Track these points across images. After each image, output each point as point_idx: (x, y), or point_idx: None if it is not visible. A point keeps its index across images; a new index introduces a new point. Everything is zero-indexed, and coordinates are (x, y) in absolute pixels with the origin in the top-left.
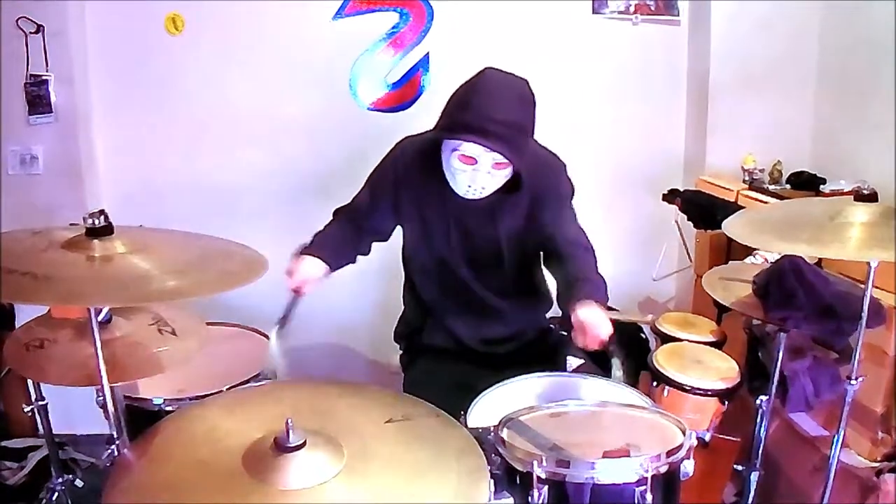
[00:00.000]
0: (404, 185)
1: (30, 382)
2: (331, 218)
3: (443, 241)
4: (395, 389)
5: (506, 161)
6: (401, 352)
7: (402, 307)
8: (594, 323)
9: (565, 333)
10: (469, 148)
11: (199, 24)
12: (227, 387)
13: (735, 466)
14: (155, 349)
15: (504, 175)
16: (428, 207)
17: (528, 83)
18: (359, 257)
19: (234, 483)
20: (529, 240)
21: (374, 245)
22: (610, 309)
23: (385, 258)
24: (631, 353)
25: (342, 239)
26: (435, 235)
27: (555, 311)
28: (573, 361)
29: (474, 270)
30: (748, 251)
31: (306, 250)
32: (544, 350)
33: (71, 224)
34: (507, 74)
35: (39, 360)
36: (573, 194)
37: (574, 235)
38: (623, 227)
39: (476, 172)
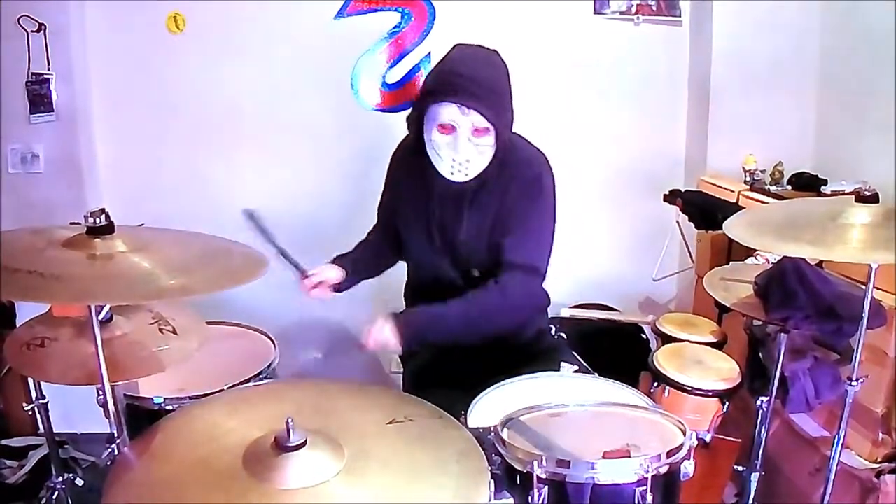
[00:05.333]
0: (398, 181)
1: (30, 381)
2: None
3: (425, 237)
4: (394, 389)
5: (485, 126)
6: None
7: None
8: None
9: (564, 336)
10: (445, 113)
11: (200, 23)
12: (228, 386)
13: (735, 467)
14: (155, 348)
15: (487, 146)
16: (415, 201)
17: (497, 52)
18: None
19: (234, 482)
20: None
21: None
22: (611, 309)
23: None
24: (631, 353)
25: (378, 253)
26: (421, 230)
27: (554, 311)
28: (566, 368)
29: (456, 267)
30: (749, 252)
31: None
32: (538, 352)
33: (72, 223)
34: (475, 45)
35: (40, 359)
36: (553, 196)
37: (521, 259)
38: (624, 228)
39: (457, 141)
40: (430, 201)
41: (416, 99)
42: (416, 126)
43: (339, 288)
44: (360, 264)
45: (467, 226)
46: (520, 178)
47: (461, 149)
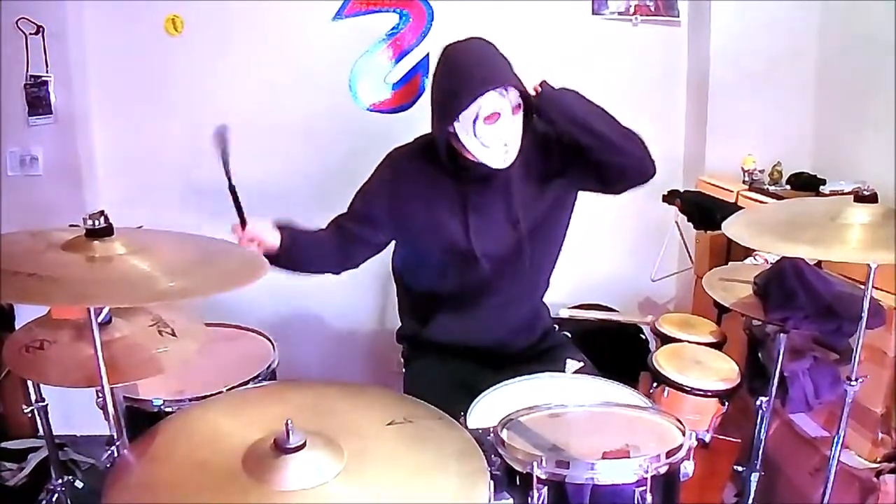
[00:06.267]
0: (405, 188)
1: (30, 383)
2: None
3: (459, 231)
4: (395, 390)
5: (519, 101)
6: (403, 349)
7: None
8: None
9: (568, 335)
10: (489, 103)
11: (198, 25)
12: (227, 388)
13: (735, 467)
14: (154, 350)
15: (521, 126)
16: (437, 201)
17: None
18: (347, 271)
19: (233, 483)
20: (554, 193)
21: None
22: (610, 310)
23: (384, 258)
24: (630, 353)
25: (323, 246)
26: (449, 227)
27: (553, 311)
28: (572, 364)
29: (492, 258)
30: (748, 252)
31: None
32: (544, 350)
33: (71, 225)
34: (465, 39)
35: (39, 362)
36: None
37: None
38: (623, 228)
39: (503, 126)
40: (460, 193)
41: (441, 111)
42: (446, 136)
43: (269, 257)
44: (299, 243)
45: (522, 206)
46: (546, 144)
47: (508, 130)
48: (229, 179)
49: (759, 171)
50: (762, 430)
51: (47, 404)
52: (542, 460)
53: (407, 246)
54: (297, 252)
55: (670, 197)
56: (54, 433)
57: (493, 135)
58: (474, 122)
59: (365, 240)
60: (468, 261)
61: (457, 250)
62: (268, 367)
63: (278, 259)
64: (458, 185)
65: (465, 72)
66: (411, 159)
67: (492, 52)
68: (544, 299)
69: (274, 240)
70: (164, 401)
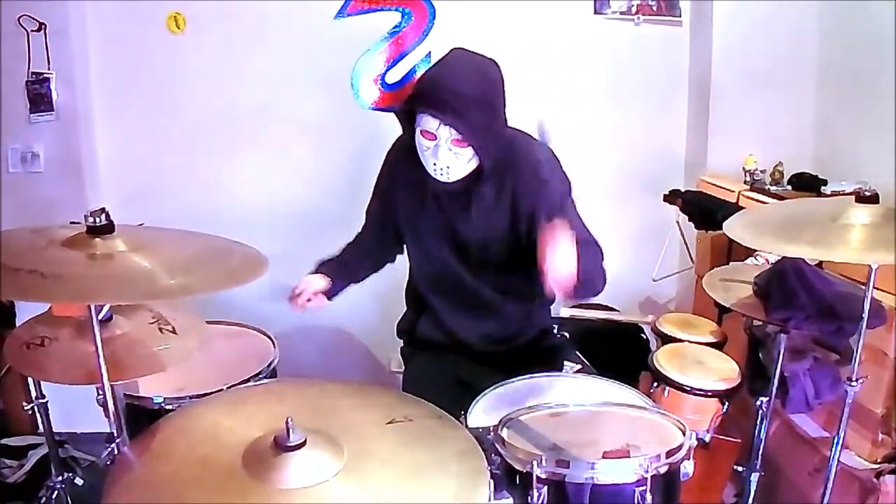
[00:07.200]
0: (396, 180)
1: (30, 380)
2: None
3: (431, 231)
4: (394, 389)
5: (459, 138)
6: (402, 346)
7: (404, 305)
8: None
9: (567, 336)
10: (426, 121)
11: (200, 23)
12: (228, 385)
13: (735, 467)
14: (155, 347)
15: (468, 158)
16: (416, 198)
17: (495, 64)
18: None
19: (233, 481)
20: (520, 237)
21: None
22: (611, 309)
23: None
24: (631, 353)
25: (355, 256)
26: (424, 225)
27: (554, 310)
28: (570, 367)
29: (463, 261)
30: (749, 252)
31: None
32: (542, 351)
33: (72, 222)
34: (473, 53)
35: (40, 359)
36: (569, 189)
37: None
38: (624, 228)
39: (437, 149)
40: (431, 193)
41: (408, 97)
42: (408, 125)
43: (329, 294)
44: (345, 267)
45: (485, 224)
46: (528, 171)
47: (441, 156)
48: None
49: (761, 172)
50: (762, 431)
51: (48, 401)
52: (542, 459)
53: (403, 231)
54: (348, 274)
55: (671, 197)
56: (54, 430)
57: (427, 150)
58: (418, 129)
59: (391, 231)
60: (442, 261)
61: (431, 248)
62: (268, 365)
63: (333, 290)
64: (432, 185)
65: (430, 83)
66: (403, 150)
67: (469, 82)
68: (544, 303)
69: (322, 283)
70: (164, 398)
